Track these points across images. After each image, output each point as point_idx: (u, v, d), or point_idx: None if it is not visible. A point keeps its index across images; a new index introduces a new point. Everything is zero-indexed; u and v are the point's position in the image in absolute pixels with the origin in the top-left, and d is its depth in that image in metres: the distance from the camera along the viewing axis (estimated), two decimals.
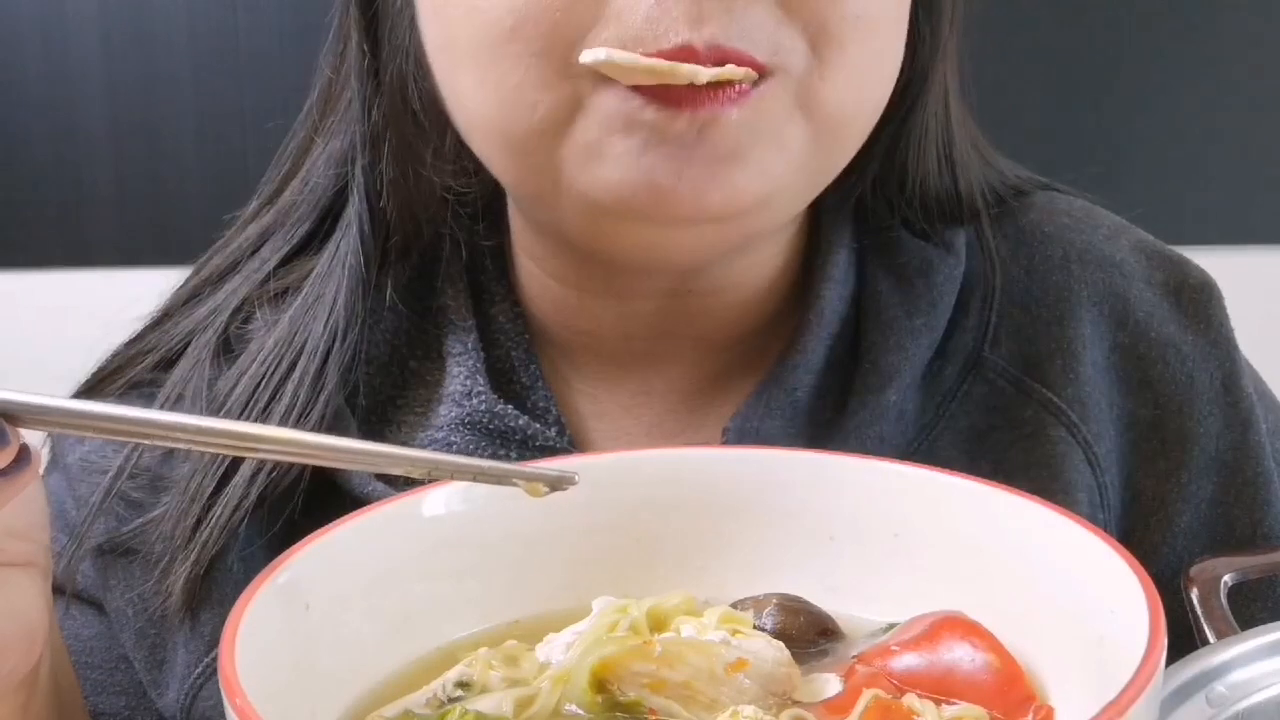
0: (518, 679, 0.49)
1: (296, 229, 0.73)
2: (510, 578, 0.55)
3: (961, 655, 0.48)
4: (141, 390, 0.73)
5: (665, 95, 0.56)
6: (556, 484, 0.50)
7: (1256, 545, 0.70)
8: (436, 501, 0.54)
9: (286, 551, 0.49)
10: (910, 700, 0.47)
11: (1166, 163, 1.85)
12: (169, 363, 0.73)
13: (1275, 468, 0.72)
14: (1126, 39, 1.83)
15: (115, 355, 0.75)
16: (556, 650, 0.50)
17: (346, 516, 0.52)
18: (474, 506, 0.54)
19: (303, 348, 0.68)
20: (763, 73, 0.57)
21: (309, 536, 0.50)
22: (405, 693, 0.49)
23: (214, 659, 0.67)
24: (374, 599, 0.52)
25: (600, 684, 0.47)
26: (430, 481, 0.53)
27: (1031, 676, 0.48)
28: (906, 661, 0.49)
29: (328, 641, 0.49)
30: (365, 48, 0.69)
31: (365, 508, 0.53)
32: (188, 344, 0.73)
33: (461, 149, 0.66)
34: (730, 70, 0.56)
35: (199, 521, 0.66)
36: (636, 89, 0.57)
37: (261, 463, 0.66)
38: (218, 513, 0.66)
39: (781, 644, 0.50)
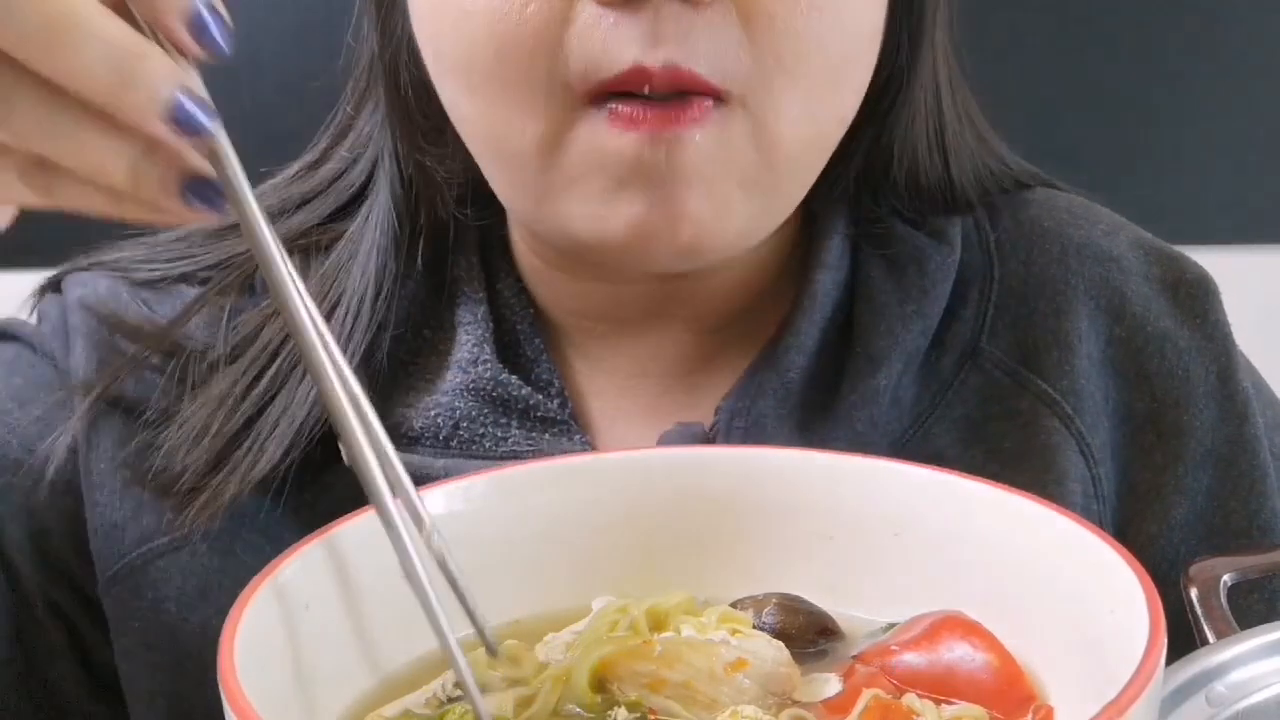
0: (518, 679, 0.49)
1: (340, 194, 0.74)
2: (510, 578, 0.55)
3: (961, 655, 0.48)
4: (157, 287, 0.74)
5: (628, 116, 0.58)
6: None
7: (1252, 537, 0.71)
8: (436, 501, 0.54)
9: (286, 551, 0.49)
10: (910, 700, 0.47)
11: (1166, 163, 1.85)
12: (176, 280, 0.74)
13: (1272, 461, 0.72)
14: (1126, 38, 1.83)
15: (117, 247, 0.76)
16: (556, 650, 0.50)
17: (346, 516, 0.52)
18: (474, 506, 0.55)
19: (337, 303, 0.69)
20: (719, 97, 0.58)
21: (308, 536, 0.50)
22: (405, 693, 0.49)
23: (184, 536, 0.67)
24: (374, 599, 0.51)
25: (600, 683, 0.47)
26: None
27: (1031, 676, 0.48)
28: (906, 661, 0.49)
29: (328, 641, 0.49)
30: (377, 30, 0.70)
31: (365, 508, 0.53)
32: (195, 270, 0.74)
33: (452, 136, 0.67)
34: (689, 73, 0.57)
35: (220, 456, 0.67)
36: (611, 114, 0.58)
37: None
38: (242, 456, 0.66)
39: (781, 644, 0.50)
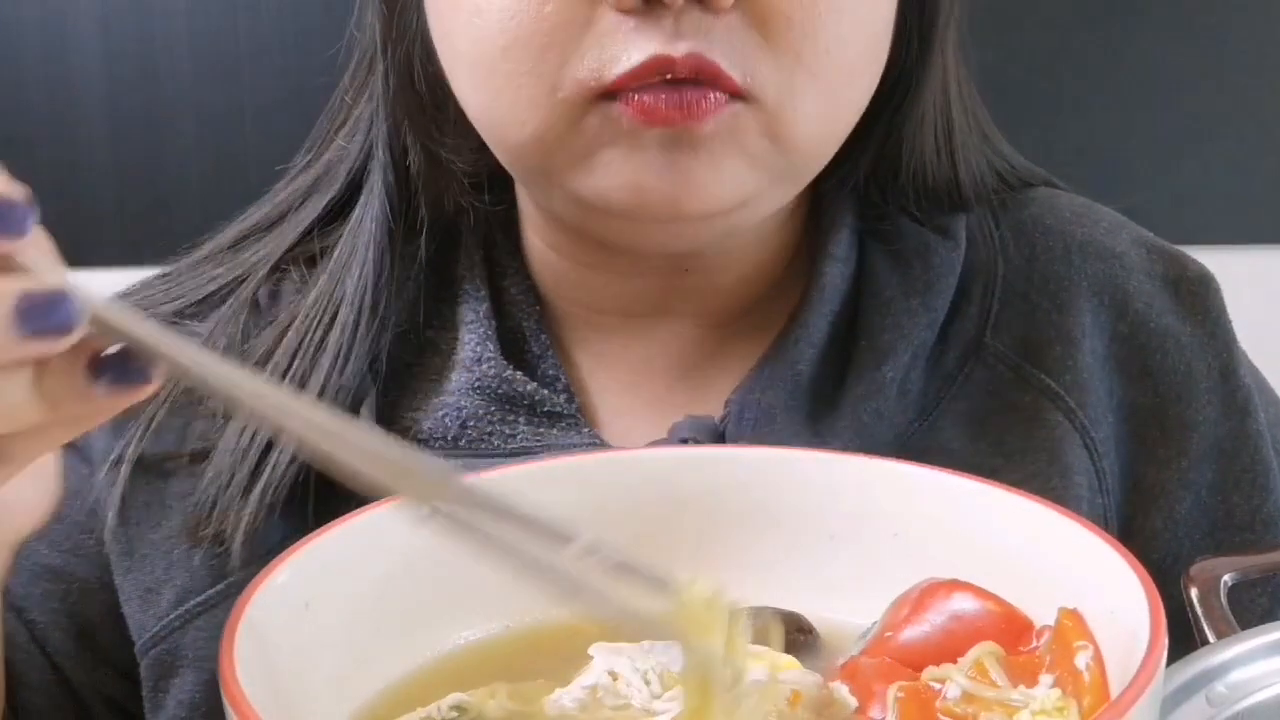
0: (520, 712, 0.48)
1: (340, 184, 0.74)
2: (510, 578, 0.55)
3: (955, 611, 0.49)
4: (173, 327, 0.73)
5: (644, 108, 0.58)
6: None
7: (1255, 532, 0.71)
8: None
9: (286, 550, 0.49)
10: (930, 673, 0.47)
11: (1167, 163, 1.85)
12: (198, 304, 0.74)
13: (1274, 456, 0.73)
14: (1126, 39, 1.83)
15: (145, 285, 0.76)
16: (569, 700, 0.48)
17: (346, 515, 0.52)
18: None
19: (342, 300, 0.69)
20: (736, 94, 0.59)
21: (309, 535, 0.50)
22: (405, 692, 0.49)
23: (222, 592, 0.67)
24: (374, 598, 0.52)
25: None
26: None
27: None
28: (905, 638, 0.49)
29: (327, 641, 0.49)
30: (383, 21, 0.70)
31: (364, 507, 0.53)
32: (217, 290, 0.74)
33: (467, 128, 0.68)
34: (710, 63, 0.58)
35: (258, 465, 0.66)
36: (624, 104, 0.59)
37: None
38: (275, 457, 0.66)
39: (817, 674, 0.49)
